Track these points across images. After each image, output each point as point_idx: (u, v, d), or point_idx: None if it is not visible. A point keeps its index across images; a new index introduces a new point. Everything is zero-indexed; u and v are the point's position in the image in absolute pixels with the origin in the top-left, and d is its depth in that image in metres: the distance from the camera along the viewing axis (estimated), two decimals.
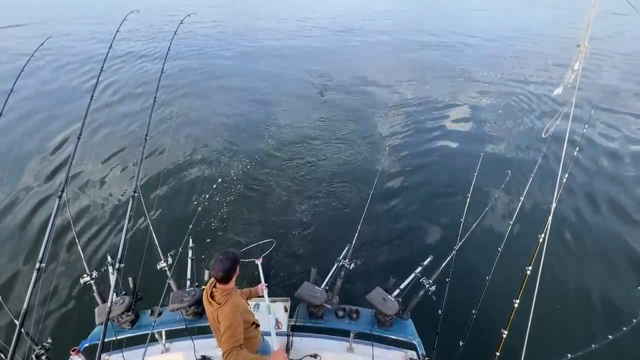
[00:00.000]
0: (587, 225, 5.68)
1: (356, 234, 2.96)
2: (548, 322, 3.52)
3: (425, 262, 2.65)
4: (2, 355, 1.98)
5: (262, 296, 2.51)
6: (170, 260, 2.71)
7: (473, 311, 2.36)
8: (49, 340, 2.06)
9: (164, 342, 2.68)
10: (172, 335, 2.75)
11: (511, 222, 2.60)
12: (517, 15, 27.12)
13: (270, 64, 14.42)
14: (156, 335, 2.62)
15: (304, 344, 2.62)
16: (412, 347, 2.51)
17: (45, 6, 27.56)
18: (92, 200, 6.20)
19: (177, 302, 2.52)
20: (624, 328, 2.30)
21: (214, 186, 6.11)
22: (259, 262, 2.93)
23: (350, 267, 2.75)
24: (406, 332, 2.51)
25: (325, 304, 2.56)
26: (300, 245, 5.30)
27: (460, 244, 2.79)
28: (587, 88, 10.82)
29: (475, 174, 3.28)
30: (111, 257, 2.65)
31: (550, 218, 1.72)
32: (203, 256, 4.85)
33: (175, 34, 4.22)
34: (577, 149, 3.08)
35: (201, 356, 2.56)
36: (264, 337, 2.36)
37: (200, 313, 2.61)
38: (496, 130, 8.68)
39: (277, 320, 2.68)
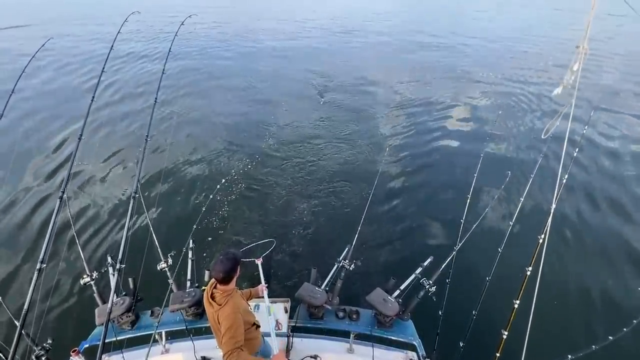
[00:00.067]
0: (587, 225, 5.67)
1: (356, 235, 2.96)
2: (548, 322, 3.52)
3: (426, 263, 2.65)
4: (2, 356, 1.98)
5: (262, 297, 2.51)
6: (170, 260, 2.71)
7: (473, 312, 2.36)
8: (49, 341, 2.06)
9: (164, 343, 2.68)
10: (173, 336, 2.75)
11: (511, 223, 2.60)
12: (516, 17, 27.17)
13: (270, 65, 14.45)
14: (156, 336, 2.62)
15: (304, 344, 2.61)
16: (412, 347, 2.50)
17: (47, 7, 27.63)
18: (92, 200, 6.20)
19: (177, 302, 2.52)
20: (625, 329, 2.30)
21: (214, 186, 6.10)
22: (259, 262, 2.94)
23: (351, 268, 2.75)
24: (406, 333, 2.51)
25: (326, 305, 2.56)
26: (300, 245, 5.30)
27: (460, 244, 2.79)
28: (587, 88, 10.83)
29: (476, 175, 3.28)
30: (111, 258, 2.65)
31: (550, 218, 1.72)
32: (203, 256, 4.85)
33: (176, 34, 4.23)
34: (577, 149, 3.08)
35: (201, 357, 2.55)
36: (264, 338, 2.36)
37: (201, 314, 2.60)
38: (496, 130, 8.68)
39: (277, 321, 2.68)
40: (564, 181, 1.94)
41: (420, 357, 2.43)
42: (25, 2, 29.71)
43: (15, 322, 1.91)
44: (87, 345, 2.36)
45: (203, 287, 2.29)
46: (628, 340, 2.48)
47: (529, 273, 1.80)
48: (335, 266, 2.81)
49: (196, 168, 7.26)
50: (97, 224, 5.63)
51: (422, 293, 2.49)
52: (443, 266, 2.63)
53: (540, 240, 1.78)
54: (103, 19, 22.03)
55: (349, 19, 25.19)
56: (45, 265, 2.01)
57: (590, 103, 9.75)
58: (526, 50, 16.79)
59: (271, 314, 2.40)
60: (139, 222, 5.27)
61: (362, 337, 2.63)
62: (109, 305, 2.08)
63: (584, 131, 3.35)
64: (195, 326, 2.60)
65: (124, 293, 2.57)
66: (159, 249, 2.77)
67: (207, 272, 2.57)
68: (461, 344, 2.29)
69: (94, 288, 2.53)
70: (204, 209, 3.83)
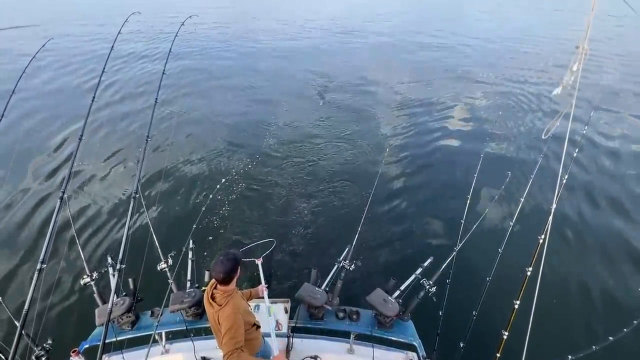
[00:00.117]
0: (587, 225, 5.67)
1: (356, 235, 2.96)
2: (549, 322, 3.51)
3: (426, 263, 2.65)
4: (2, 356, 1.98)
5: (263, 297, 2.51)
6: (170, 261, 2.71)
7: (473, 312, 2.36)
8: (49, 341, 2.06)
9: (164, 344, 2.68)
10: (173, 337, 2.75)
11: (511, 223, 2.60)
12: (516, 17, 27.18)
13: (270, 65, 14.46)
14: (156, 337, 2.62)
15: (304, 345, 2.61)
16: (412, 348, 2.50)
17: (47, 7, 27.67)
18: (92, 200, 6.21)
19: (177, 303, 2.51)
20: (625, 329, 2.29)
21: (215, 186, 6.12)
22: (259, 262, 2.93)
23: (351, 268, 2.75)
24: (406, 334, 2.51)
25: (326, 305, 2.56)
26: (300, 245, 5.30)
27: (460, 245, 2.78)
28: (587, 89, 10.83)
29: (476, 175, 3.28)
30: (111, 258, 2.65)
31: (550, 219, 1.72)
32: (203, 257, 4.85)
33: (176, 35, 4.24)
34: (577, 149, 3.08)
35: (201, 357, 2.55)
36: (265, 338, 2.35)
37: (201, 314, 2.60)
38: (496, 131, 8.69)
39: (277, 322, 2.68)
40: (564, 181, 1.94)
41: (421, 357, 2.42)
42: (26, 2, 29.75)
43: (16, 322, 1.91)
44: (87, 346, 2.36)
45: (203, 288, 2.29)
46: (629, 341, 2.48)
47: (529, 273, 1.80)
48: (336, 266, 2.81)
49: (196, 168, 7.26)
50: (97, 224, 5.63)
51: (422, 293, 2.49)
52: (443, 266, 2.63)
53: (541, 241, 1.78)
54: (103, 19, 22.06)
55: (349, 20, 25.22)
56: (45, 265, 2.01)
57: (590, 103, 9.75)
58: (526, 51, 16.79)
59: (271, 314, 2.40)
60: (139, 222, 5.27)
61: (362, 338, 2.62)
62: (109, 305, 2.08)
63: (584, 131, 3.35)
64: (195, 326, 2.60)
65: (124, 293, 2.57)
66: (159, 249, 2.77)
67: (207, 273, 2.57)
68: (461, 345, 2.29)
69: (94, 288, 2.53)
70: (204, 208, 3.84)
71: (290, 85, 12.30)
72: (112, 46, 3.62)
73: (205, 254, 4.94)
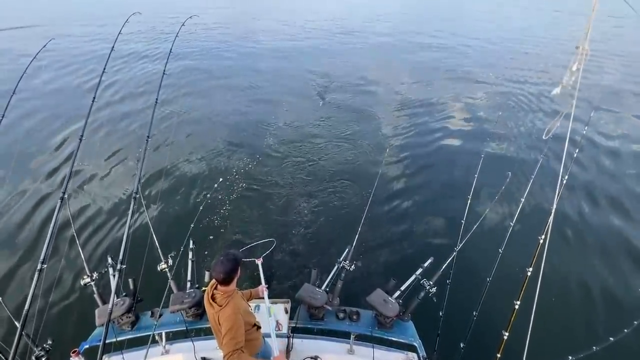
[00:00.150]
0: (588, 225, 5.67)
1: (357, 235, 2.96)
2: (549, 323, 3.51)
3: (426, 264, 2.65)
4: (2, 357, 1.97)
5: (263, 297, 2.51)
6: (170, 261, 2.71)
7: (474, 312, 2.36)
8: (49, 342, 2.05)
9: (164, 344, 2.68)
10: (173, 337, 2.75)
11: (512, 223, 2.59)
12: (516, 18, 27.20)
13: (271, 65, 14.47)
14: (156, 337, 2.62)
15: (305, 345, 2.61)
16: (412, 348, 2.50)
17: (48, 8, 27.71)
18: (92, 200, 6.21)
19: (177, 303, 2.51)
20: (626, 330, 2.29)
21: (215, 186, 6.13)
22: (259, 262, 2.93)
23: (351, 269, 2.75)
24: (407, 334, 2.51)
25: (326, 306, 2.55)
26: (300, 245, 5.30)
27: (460, 245, 2.78)
28: (587, 89, 10.84)
29: (476, 175, 3.27)
30: (111, 258, 2.65)
31: (551, 219, 1.72)
32: (203, 257, 4.84)
33: (177, 35, 4.24)
34: (577, 149, 3.08)
35: (201, 358, 2.55)
36: (265, 338, 2.35)
37: (201, 314, 2.60)
38: (497, 131, 8.70)
39: (277, 322, 2.68)
40: (565, 181, 1.94)
41: (421, 358, 2.42)
42: (27, 3, 29.80)
43: (16, 323, 1.91)
44: (87, 346, 2.36)
45: (203, 288, 2.29)
46: (629, 342, 2.48)
47: (529, 273, 1.80)
48: (336, 267, 2.81)
49: (197, 168, 7.26)
50: (97, 224, 5.63)
51: (422, 294, 2.48)
52: (443, 267, 2.62)
53: (541, 241, 1.78)
54: (104, 19, 22.09)
55: (349, 20, 25.24)
56: (45, 265, 2.01)
57: (590, 104, 9.75)
58: (526, 51, 16.81)
59: (271, 314, 2.40)
60: (139, 223, 5.27)
61: (362, 338, 2.62)
62: (110, 306, 2.08)
63: (585, 131, 3.35)
64: (195, 327, 2.60)
65: (124, 294, 2.56)
66: (159, 250, 2.77)
67: (207, 273, 2.57)
68: (462, 345, 2.29)
69: (94, 289, 2.53)
70: (204, 208, 3.84)
71: (290, 85, 12.31)
72: (113, 46, 3.63)
73: (205, 253, 4.94)
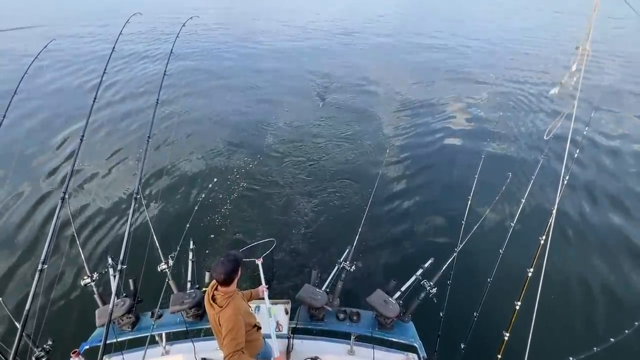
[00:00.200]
0: (589, 225, 5.66)
1: (357, 236, 2.96)
2: (549, 324, 3.50)
3: (426, 264, 2.64)
4: (3, 357, 1.97)
5: (263, 298, 2.51)
6: (170, 262, 2.70)
7: (474, 313, 2.35)
8: (49, 343, 2.05)
9: (164, 345, 2.67)
10: (173, 338, 2.74)
11: (512, 224, 2.59)
12: (516, 19, 27.22)
13: (271, 65, 14.49)
14: (156, 338, 2.62)
15: (305, 346, 2.61)
16: (413, 349, 2.49)
17: (49, 8, 27.78)
18: (93, 201, 6.21)
19: (177, 304, 2.51)
20: (627, 331, 2.28)
21: (216, 187, 6.14)
22: (259, 262, 2.93)
23: (351, 269, 2.74)
24: (407, 335, 2.50)
25: (326, 306, 2.55)
26: (301, 245, 5.30)
27: (461, 245, 2.78)
28: (588, 89, 10.83)
29: (477, 176, 3.27)
30: (112, 259, 2.65)
31: (551, 220, 1.72)
32: (204, 257, 4.84)
33: (177, 36, 4.25)
34: (578, 150, 3.08)
35: (202, 358, 2.55)
36: (265, 339, 2.35)
37: (201, 315, 2.60)
38: (497, 131, 8.70)
39: (277, 323, 2.67)
40: (565, 182, 1.93)
41: (421, 358, 2.42)
42: (28, 4, 29.88)
43: (16, 323, 1.91)
44: (87, 347, 2.36)
45: (204, 289, 2.29)
46: (630, 343, 2.47)
47: (530, 274, 1.80)
48: (336, 267, 2.81)
49: (197, 168, 7.27)
50: (97, 225, 5.64)
51: (423, 294, 2.48)
52: (444, 267, 2.62)
53: (542, 241, 1.78)
54: (105, 20, 22.13)
55: (349, 21, 25.27)
56: (46, 266, 2.01)
57: (591, 104, 9.75)
58: (527, 52, 16.82)
59: (272, 315, 2.40)
60: (139, 223, 5.27)
61: (362, 339, 2.62)
62: (111, 306, 2.08)
63: (585, 132, 3.35)
64: (195, 328, 2.60)
65: (124, 294, 2.56)
66: (159, 250, 2.77)
67: (207, 274, 2.57)
68: (462, 346, 2.29)
69: (95, 289, 2.52)
70: (204, 209, 3.84)
71: (290, 85, 12.32)
72: (114, 47, 3.63)
73: (206, 253, 4.95)
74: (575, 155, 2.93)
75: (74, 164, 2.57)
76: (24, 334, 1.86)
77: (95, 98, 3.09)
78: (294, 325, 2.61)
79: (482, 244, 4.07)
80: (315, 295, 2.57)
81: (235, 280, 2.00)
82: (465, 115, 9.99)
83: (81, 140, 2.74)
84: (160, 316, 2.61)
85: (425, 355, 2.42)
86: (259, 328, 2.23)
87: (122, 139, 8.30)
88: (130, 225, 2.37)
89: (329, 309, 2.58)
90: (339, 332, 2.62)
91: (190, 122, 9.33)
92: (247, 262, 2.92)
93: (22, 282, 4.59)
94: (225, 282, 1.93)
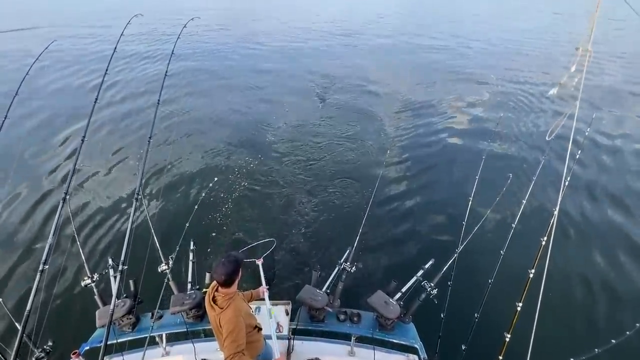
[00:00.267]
0: (590, 226, 5.65)
1: (357, 236, 2.96)
2: (550, 325, 3.50)
3: (427, 266, 2.64)
4: (3, 358, 1.97)
5: (263, 299, 2.50)
6: (171, 262, 2.70)
7: (475, 314, 2.35)
8: (50, 343, 2.05)
9: (164, 346, 2.67)
10: (173, 339, 2.74)
11: (514, 225, 2.58)
12: (516, 20, 27.25)
13: (271, 66, 14.52)
14: (157, 339, 2.62)
15: (305, 347, 2.60)
16: (413, 351, 2.49)
17: (51, 10, 27.88)
18: (94, 201, 6.22)
19: (178, 305, 2.51)
20: (628, 332, 2.28)
21: (216, 186, 6.14)
22: (259, 262, 2.93)
23: (352, 270, 2.74)
24: (408, 336, 2.50)
25: (327, 307, 2.55)
26: (301, 245, 5.29)
27: (462, 246, 2.78)
28: (588, 90, 10.84)
29: (477, 177, 3.27)
30: (112, 260, 2.65)
31: (553, 221, 1.71)
32: (204, 258, 4.84)
33: (178, 37, 4.26)
34: (579, 150, 3.07)
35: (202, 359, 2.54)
36: (266, 340, 2.35)
37: (201, 316, 2.60)
38: (498, 132, 8.69)
39: (278, 324, 2.67)
40: (566, 183, 1.93)
41: None
42: (29, 5, 29.99)
43: (17, 324, 1.91)
44: (87, 348, 2.36)
45: (204, 290, 2.28)
46: (631, 344, 2.46)
47: (531, 275, 1.79)
48: (337, 268, 2.80)
49: (198, 168, 7.28)
50: (98, 225, 5.64)
51: (423, 296, 2.47)
52: (445, 268, 2.61)
53: (544, 243, 1.78)
54: (106, 21, 22.20)
55: (350, 22, 25.32)
56: (47, 266, 2.01)
57: (592, 104, 9.75)
58: (527, 53, 16.83)
59: (272, 316, 2.39)
60: (140, 224, 5.27)
61: (363, 340, 2.61)
62: (112, 307, 2.08)
63: (587, 132, 3.34)
64: (195, 328, 2.59)
65: (124, 295, 2.56)
66: (159, 251, 2.77)
67: (207, 274, 2.57)
68: (463, 347, 2.28)
69: (95, 290, 2.52)
70: (205, 208, 3.84)
71: (291, 85, 12.34)
72: (115, 48, 3.64)
73: (207, 252, 4.95)
74: (577, 156, 2.92)
75: (75, 164, 2.57)
76: (24, 334, 1.86)
77: (96, 98, 3.10)
78: (295, 326, 2.61)
79: (483, 244, 4.07)
80: (315, 296, 2.56)
81: (236, 282, 1.99)
82: (465, 116, 9.99)
83: (82, 140, 2.74)
84: (160, 317, 2.61)
85: (426, 356, 2.42)
86: (260, 329, 2.23)
87: (123, 138, 8.31)
88: (131, 225, 2.37)
89: (330, 310, 2.58)
90: (339, 333, 2.61)
91: (190, 121, 9.34)
92: (247, 263, 2.92)
93: (22, 282, 4.59)
94: (226, 283, 1.93)
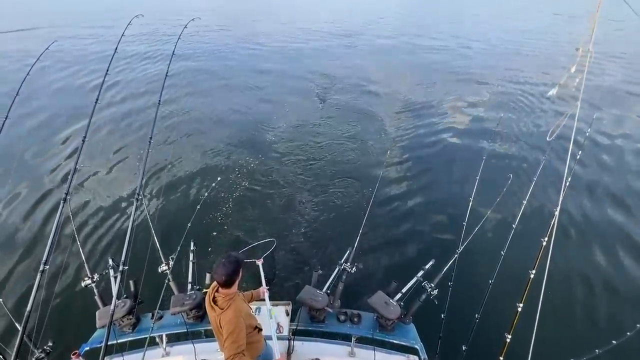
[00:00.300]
0: (592, 226, 5.65)
1: (358, 237, 2.95)
2: (551, 325, 3.49)
3: (427, 266, 2.64)
4: (3, 358, 1.97)
5: (264, 299, 2.50)
6: (171, 263, 2.70)
7: (476, 315, 2.34)
8: (50, 344, 2.05)
9: (164, 346, 2.67)
10: (173, 339, 2.74)
11: (514, 225, 2.58)
12: (516, 20, 27.27)
13: (272, 66, 14.54)
14: (157, 339, 2.61)
15: (305, 348, 2.60)
16: (414, 351, 2.49)
17: (51, 10, 27.94)
18: (94, 202, 6.22)
19: (178, 305, 2.51)
20: (628, 333, 2.28)
21: (217, 186, 6.14)
22: (259, 262, 2.93)
23: (352, 271, 2.74)
24: (408, 337, 2.50)
25: (327, 308, 2.55)
26: (301, 245, 5.29)
27: (462, 247, 2.77)
28: (588, 90, 10.83)
29: (478, 177, 3.27)
30: (112, 260, 2.65)
31: (554, 221, 1.71)
32: (204, 258, 4.84)
33: (179, 37, 4.27)
34: (580, 151, 3.07)
35: None
36: (266, 341, 2.34)
37: (202, 317, 2.59)
38: (498, 133, 8.69)
39: (278, 324, 2.67)
40: (567, 184, 1.93)
41: None
42: (30, 5, 30.06)
43: (17, 325, 1.91)
44: (87, 348, 2.35)
45: (204, 290, 2.28)
46: (632, 344, 2.46)
47: (532, 276, 1.79)
48: (337, 269, 2.80)
49: (198, 169, 7.28)
50: (98, 226, 5.64)
51: (424, 296, 2.47)
52: (445, 269, 2.61)
53: (544, 243, 1.77)
54: (106, 22, 22.23)
55: (350, 23, 25.35)
56: (47, 267, 2.01)
57: (592, 104, 9.75)
58: (527, 54, 16.84)
59: (272, 317, 2.39)
60: (140, 224, 5.27)
61: (363, 341, 2.61)
62: (112, 307, 2.07)
63: (588, 133, 3.34)
64: (196, 329, 2.59)
65: (124, 295, 2.56)
66: (160, 251, 2.77)
67: (208, 275, 2.57)
68: (464, 348, 2.28)
69: (95, 290, 2.52)
70: (205, 209, 3.83)
71: (291, 86, 12.35)
72: (116, 48, 3.65)
73: (206, 254, 4.94)
74: (578, 157, 2.92)
75: (76, 165, 2.57)
76: (24, 334, 1.86)
77: (97, 99, 3.10)
78: (295, 327, 2.61)
79: (484, 245, 4.07)
80: (316, 296, 2.56)
81: (237, 282, 1.99)
82: (466, 116, 9.99)
83: (83, 140, 2.74)
84: (160, 317, 2.61)
85: (426, 357, 2.42)
86: (260, 330, 2.22)
87: (123, 138, 8.32)
88: (132, 226, 2.37)
89: (330, 310, 2.57)
90: (339, 333, 2.61)
91: (191, 121, 9.35)
92: (247, 263, 2.92)
93: (22, 282, 4.59)
94: (227, 284, 1.93)
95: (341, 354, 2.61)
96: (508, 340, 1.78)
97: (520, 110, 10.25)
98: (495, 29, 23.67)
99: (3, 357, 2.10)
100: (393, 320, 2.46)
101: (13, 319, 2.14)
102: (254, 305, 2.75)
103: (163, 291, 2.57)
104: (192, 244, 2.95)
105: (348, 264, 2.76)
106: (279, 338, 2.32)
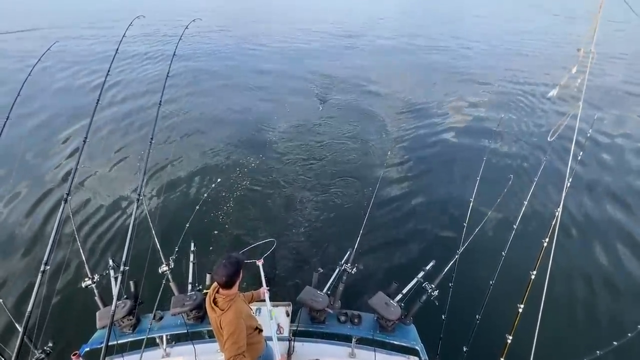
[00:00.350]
0: (593, 227, 5.64)
1: (358, 238, 2.95)
2: (551, 326, 3.48)
3: (428, 267, 2.63)
4: (3, 359, 1.97)
5: (264, 300, 2.50)
6: (172, 263, 2.70)
7: (477, 316, 2.34)
8: (50, 344, 2.05)
9: (164, 347, 2.67)
10: (174, 340, 2.74)
11: (515, 226, 2.58)
12: (516, 21, 27.26)
13: (272, 67, 14.55)
14: (157, 340, 2.61)
15: (306, 349, 2.60)
16: (414, 352, 2.48)
17: (52, 11, 28.01)
18: (95, 202, 6.22)
19: (178, 306, 2.51)
20: (629, 334, 2.27)
21: (217, 186, 6.15)
22: (260, 263, 2.92)
23: (352, 272, 2.74)
24: (409, 338, 2.49)
25: (327, 309, 2.54)
26: (302, 245, 5.29)
27: (463, 248, 2.77)
28: (589, 90, 10.81)
29: (478, 178, 3.26)
30: (113, 261, 2.65)
31: (555, 222, 1.71)
32: (204, 258, 4.84)
33: (180, 38, 4.28)
34: (581, 152, 3.07)
35: None
36: (267, 342, 2.34)
37: (202, 317, 2.59)
38: (499, 133, 8.69)
39: (278, 325, 2.67)
40: (568, 184, 1.93)
41: None
42: (30, 5, 30.14)
43: (17, 326, 1.91)
44: (87, 349, 2.35)
45: (205, 291, 2.28)
46: (633, 345, 2.45)
47: (533, 277, 1.79)
48: (337, 270, 2.80)
49: (198, 168, 7.28)
50: (99, 226, 5.64)
51: (424, 297, 2.47)
52: (446, 270, 2.61)
53: (545, 244, 1.77)
54: (107, 23, 22.28)
55: (350, 23, 25.36)
56: (48, 267, 2.01)
57: (593, 105, 9.74)
58: (527, 54, 16.84)
59: (273, 317, 2.39)
60: (141, 224, 5.27)
61: (364, 342, 2.61)
62: (113, 308, 2.07)
63: (589, 133, 3.34)
64: (196, 330, 2.59)
65: (125, 296, 2.56)
66: (160, 252, 2.77)
67: (208, 276, 2.57)
68: (464, 349, 2.27)
69: (95, 291, 2.52)
70: (206, 209, 3.84)
71: (292, 86, 12.36)
72: (117, 49, 3.65)
73: (206, 254, 4.94)
74: (579, 157, 2.92)
75: (77, 166, 2.57)
76: (24, 335, 1.86)
77: (98, 99, 3.11)
78: (295, 328, 2.60)
79: (485, 245, 4.06)
80: (316, 297, 2.56)
81: (237, 283, 1.99)
82: (466, 116, 9.99)
83: (84, 140, 2.75)
84: (160, 318, 2.60)
85: (427, 358, 2.41)
86: (261, 330, 2.22)
87: (124, 138, 8.32)
88: (133, 226, 2.37)
89: (330, 311, 2.57)
90: (340, 334, 2.60)
91: (191, 121, 9.36)
92: (247, 264, 2.92)
93: (22, 282, 4.59)
94: (227, 285, 1.92)
95: (341, 354, 2.61)
96: (509, 341, 1.77)
97: (521, 110, 10.24)
98: (495, 29, 23.68)
99: (3, 357, 2.10)
100: (393, 321, 2.46)
101: (13, 319, 2.14)
102: (254, 306, 2.75)
103: (163, 292, 2.57)
104: (192, 244, 2.95)
105: (348, 264, 2.76)
106: (279, 339, 2.32)
